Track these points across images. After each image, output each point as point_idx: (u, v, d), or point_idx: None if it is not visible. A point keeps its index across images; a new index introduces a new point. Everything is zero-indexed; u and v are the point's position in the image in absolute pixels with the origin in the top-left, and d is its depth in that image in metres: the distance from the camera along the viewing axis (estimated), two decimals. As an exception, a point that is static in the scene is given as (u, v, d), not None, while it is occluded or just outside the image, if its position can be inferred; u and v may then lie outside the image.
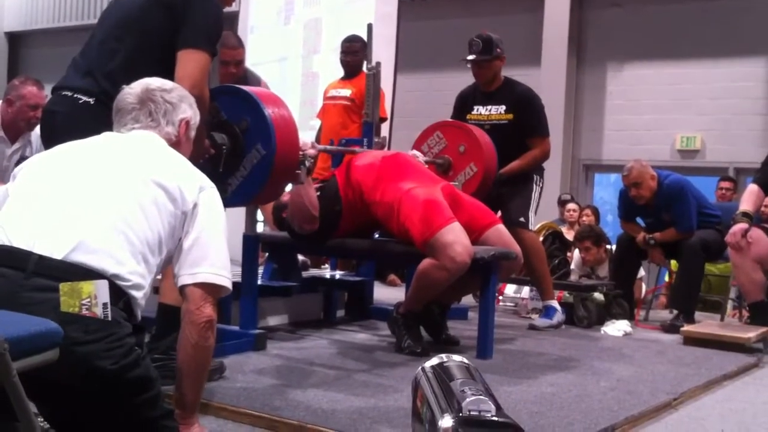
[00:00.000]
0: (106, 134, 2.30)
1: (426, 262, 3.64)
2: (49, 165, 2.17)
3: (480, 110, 5.01)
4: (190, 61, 2.87)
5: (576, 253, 6.22)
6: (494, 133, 4.77)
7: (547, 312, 4.92)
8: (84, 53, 3.10)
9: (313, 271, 5.39)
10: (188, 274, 2.13)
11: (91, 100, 2.91)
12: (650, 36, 9.81)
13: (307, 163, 3.59)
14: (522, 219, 4.75)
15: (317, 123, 6.65)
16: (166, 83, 2.39)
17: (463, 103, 5.14)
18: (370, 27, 5.04)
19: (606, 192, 10.40)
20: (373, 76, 4.75)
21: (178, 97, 2.37)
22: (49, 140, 2.88)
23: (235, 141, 3.25)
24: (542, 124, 4.98)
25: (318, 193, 3.87)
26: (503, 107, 4.95)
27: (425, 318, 3.98)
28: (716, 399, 3.41)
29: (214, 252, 2.16)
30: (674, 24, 9.61)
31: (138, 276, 2.01)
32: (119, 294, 1.96)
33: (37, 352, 1.73)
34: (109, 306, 1.89)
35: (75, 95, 2.95)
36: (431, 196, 3.77)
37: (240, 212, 4.00)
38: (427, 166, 4.43)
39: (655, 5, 9.76)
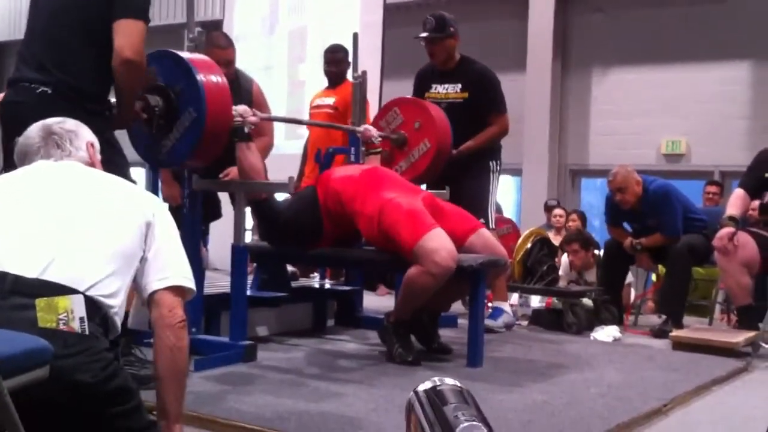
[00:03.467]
0: (41, 162, 2.27)
1: (412, 270, 3.64)
2: (6, 188, 2.17)
3: (438, 89, 5.03)
4: (129, 29, 3.02)
5: (564, 259, 6.22)
6: (451, 112, 4.78)
7: (493, 313, 4.92)
8: (28, 45, 3.20)
9: (303, 281, 5.38)
10: (156, 280, 2.15)
11: (49, 90, 3.04)
12: (634, 41, 9.83)
13: (246, 129, 3.70)
14: (482, 220, 4.70)
15: (305, 132, 6.65)
16: (57, 118, 2.39)
17: (421, 82, 5.15)
18: (355, 36, 5.05)
19: (593, 196, 10.41)
20: (359, 85, 4.76)
21: (74, 125, 2.38)
22: (13, 131, 2.80)
23: (169, 104, 3.37)
24: (499, 101, 4.99)
25: (294, 197, 3.93)
26: (459, 85, 4.96)
27: (415, 326, 3.98)
28: (706, 404, 3.42)
29: (177, 259, 2.21)
30: (658, 28, 9.64)
31: (114, 287, 2.03)
32: (96, 308, 1.97)
33: (27, 370, 1.71)
34: (86, 320, 1.91)
35: (32, 85, 3.06)
36: (412, 206, 3.78)
37: (228, 223, 3.99)
38: (380, 140, 4.48)
39: (639, 10, 9.79)
